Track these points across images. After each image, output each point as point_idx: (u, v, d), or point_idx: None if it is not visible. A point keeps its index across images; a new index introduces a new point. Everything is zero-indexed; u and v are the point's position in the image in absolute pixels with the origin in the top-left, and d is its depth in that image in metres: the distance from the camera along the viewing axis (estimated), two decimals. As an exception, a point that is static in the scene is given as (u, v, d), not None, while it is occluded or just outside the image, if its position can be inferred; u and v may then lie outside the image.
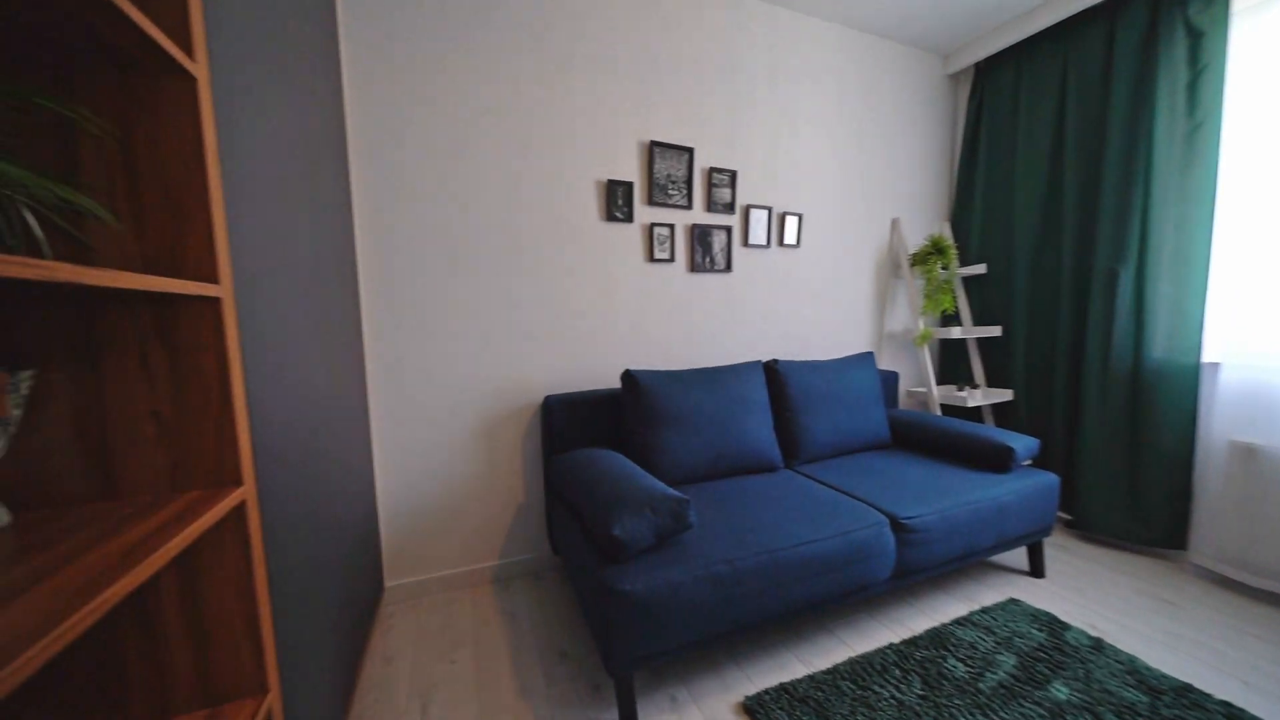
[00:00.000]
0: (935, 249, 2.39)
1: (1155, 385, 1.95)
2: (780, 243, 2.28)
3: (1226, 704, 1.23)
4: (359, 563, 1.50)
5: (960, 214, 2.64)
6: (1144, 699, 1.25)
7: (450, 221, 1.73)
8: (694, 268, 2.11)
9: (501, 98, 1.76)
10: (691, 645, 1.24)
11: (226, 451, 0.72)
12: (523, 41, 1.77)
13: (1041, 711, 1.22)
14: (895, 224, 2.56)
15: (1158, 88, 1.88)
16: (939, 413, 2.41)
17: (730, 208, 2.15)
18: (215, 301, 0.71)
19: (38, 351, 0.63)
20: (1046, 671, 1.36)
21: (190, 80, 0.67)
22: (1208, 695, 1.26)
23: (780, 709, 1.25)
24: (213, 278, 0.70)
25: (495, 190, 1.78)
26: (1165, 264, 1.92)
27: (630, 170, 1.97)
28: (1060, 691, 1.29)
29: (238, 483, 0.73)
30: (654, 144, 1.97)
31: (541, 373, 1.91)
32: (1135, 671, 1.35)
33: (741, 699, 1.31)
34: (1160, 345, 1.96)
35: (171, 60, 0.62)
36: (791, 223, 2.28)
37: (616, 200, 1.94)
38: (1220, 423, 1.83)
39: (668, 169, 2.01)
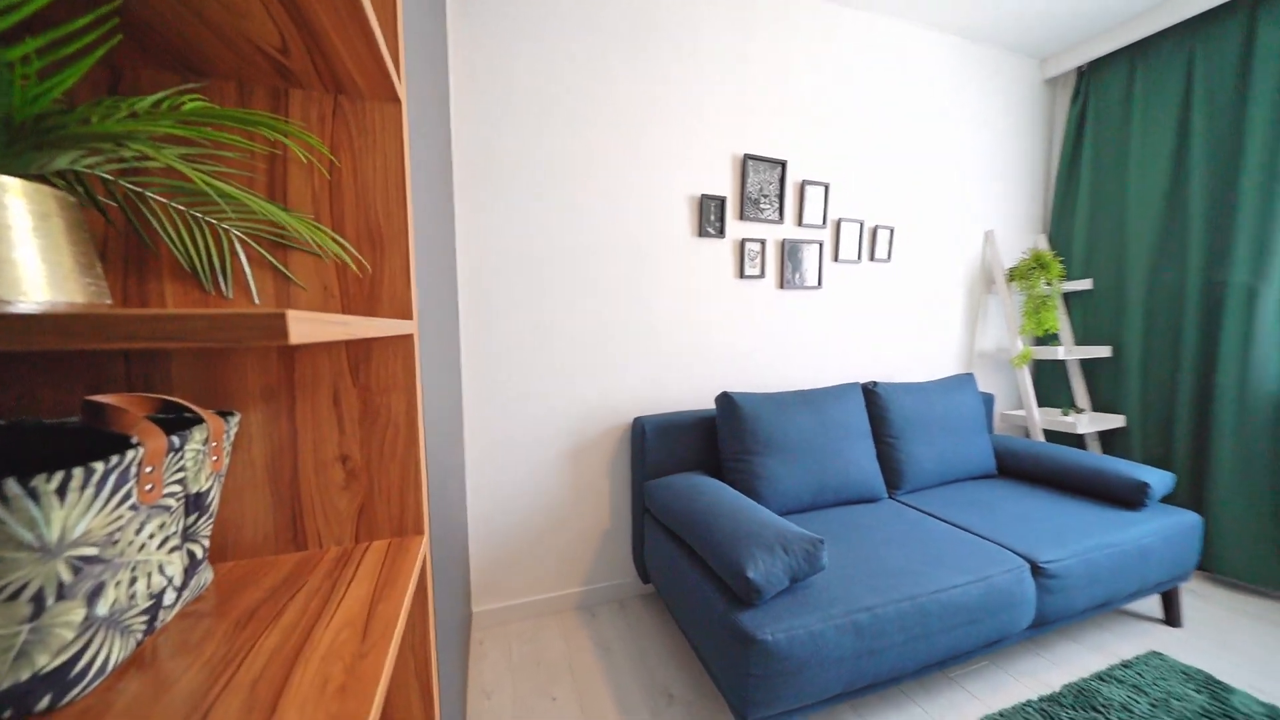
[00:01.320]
0: (1037, 263, 2.24)
1: (1305, 415, 1.76)
2: (871, 257, 2.17)
3: None
4: (458, 591, 1.45)
5: (1059, 227, 2.48)
6: (1355, 786, 1.09)
7: (541, 242, 1.70)
8: (783, 284, 2.02)
9: (595, 114, 1.71)
10: (825, 702, 1.15)
11: (410, 497, 0.67)
12: (619, 53, 1.72)
13: (1234, 795, 1.08)
14: (989, 237, 2.42)
15: (1309, 91, 1.71)
16: (1041, 438, 2.25)
17: (822, 222, 2.05)
18: (409, 339, 0.66)
19: (237, 392, 0.60)
20: (1223, 744, 1.21)
21: (398, 105, 0.63)
22: None
23: (926, 775, 1.14)
24: (408, 313, 0.65)
25: (587, 209, 1.73)
26: (1317, 282, 1.73)
27: (724, 184, 1.90)
28: (1249, 771, 1.13)
29: (420, 531, 0.68)
30: (748, 157, 1.89)
31: (629, 393, 1.85)
32: (1333, 750, 1.19)
33: (878, 760, 1.20)
34: (1306, 371, 1.77)
35: (389, 83, 0.58)
36: (883, 236, 2.17)
37: (709, 215, 1.87)
38: (1393, 461, 1.63)
39: (760, 182, 1.93)
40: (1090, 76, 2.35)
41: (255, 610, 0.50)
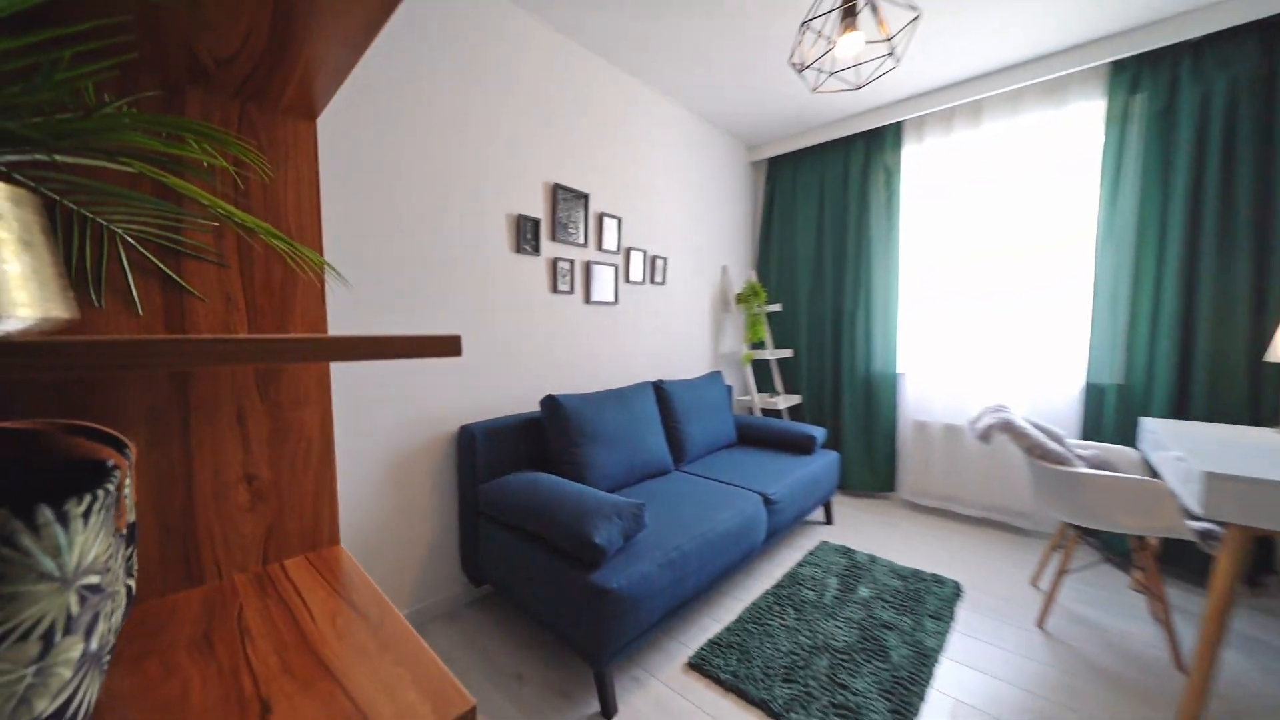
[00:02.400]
0: (752, 291, 3.17)
1: (876, 387, 3.04)
2: (653, 280, 2.70)
3: (937, 575, 2.10)
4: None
5: (762, 266, 3.54)
6: (900, 582, 2.03)
7: (371, 251, 1.58)
8: (589, 299, 2.34)
9: (429, 134, 1.70)
10: (651, 629, 1.48)
11: (324, 509, 0.68)
12: (452, 82, 1.75)
13: (856, 605, 1.87)
14: (724, 270, 3.28)
15: (871, 201, 2.99)
16: (759, 414, 3.18)
17: (617, 248, 2.46)
18: (327, 351, 0.66)
19: (117, 415, 0.52)
20: (853, 581, 2.05)
21: (313, 123, 0.64)
22: (929, 573, 2.12)
23: (715, 656, 1.59)
24: (323, 326, 0.66)
25: (411, 218, 1.69)
26: (877, 311, 3.02)
27: (538, 208, 2.10)
28: (863, 591, 1.97)
29: (335, 541, 0.69)
30: (558, 186, 2.14)
31: (451, 403, 1.86)
32: (893, 569, 2.15)
33: (685, 661, 1.60)
34: (876, 362, 3.06)
35: (311, 101, 0.61)
36: (660, 264, 2.73)
37: (526, 234, 2.04)
38: (907, 409, 2.99)
39: (569, 209, 2.20)
40: (774, 167, 3.46)
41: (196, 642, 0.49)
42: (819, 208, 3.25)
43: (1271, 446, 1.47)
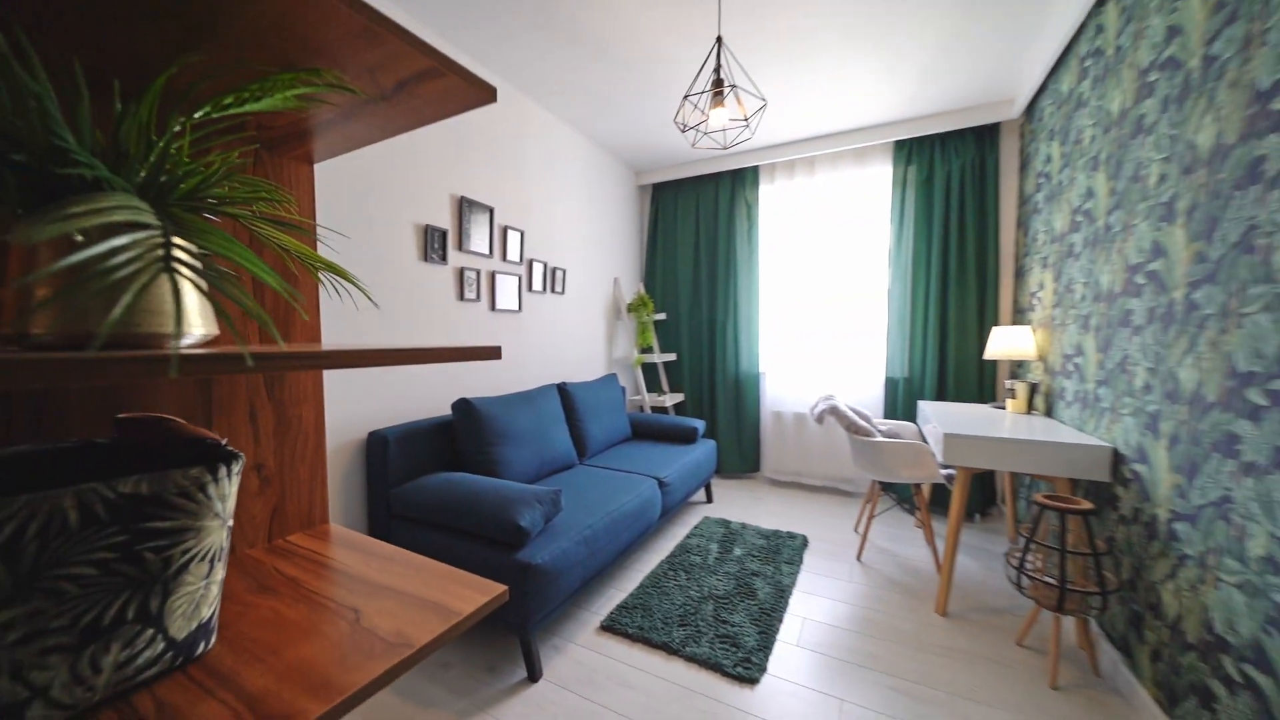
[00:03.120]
0: (642, 302, 3.53)
1: (744, 385, 3.61)
2: (553, 290, 2.90)
3: (790, 532, 2.64)
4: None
5: (649, 278, 3.94)
6: (764, 541, 2.52)
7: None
8: (494, 307, 2.46)
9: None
10: (568, 600, 1.70)
11: (317, 494, 0.80)
12: None
13: (733, 562, 2.29)
14: (616, 282, 3.60)
15: (736, 229, 3.56)
16: (649, 411, 3.55)
17: (520, 259, 2.62)
18: (322, 357, 0.78)
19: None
20: (730, 545, 2.48)
21: (313, 166, 0.77)
22: (785, 531, 2.65)
23: (623, 617, 1.86)
24: (319, 337, 0.78)
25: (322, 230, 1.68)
26: (743, 321, 3.60)
27: (445, 219, 2.17)
28: (737, 550, 2.41)
29: (326, 520, 0.80)
30: (464, 199, 2.24)
31: (354, 410, 1.86)
32: (759, 532, 2.65)
33: (598, 625, 1.84)
34: (743, 364, 3.63)
35: (309, 146, 0.74)
36: (559, 274, 2.94)
37: (434, 243, 2.11)
38: (767, 403, 3.60)
39: (475, 221, 2.31)
40: (658, 191, 3.89)
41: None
42: (695, 230, 3.74)
43: (988, 416, 2.21)
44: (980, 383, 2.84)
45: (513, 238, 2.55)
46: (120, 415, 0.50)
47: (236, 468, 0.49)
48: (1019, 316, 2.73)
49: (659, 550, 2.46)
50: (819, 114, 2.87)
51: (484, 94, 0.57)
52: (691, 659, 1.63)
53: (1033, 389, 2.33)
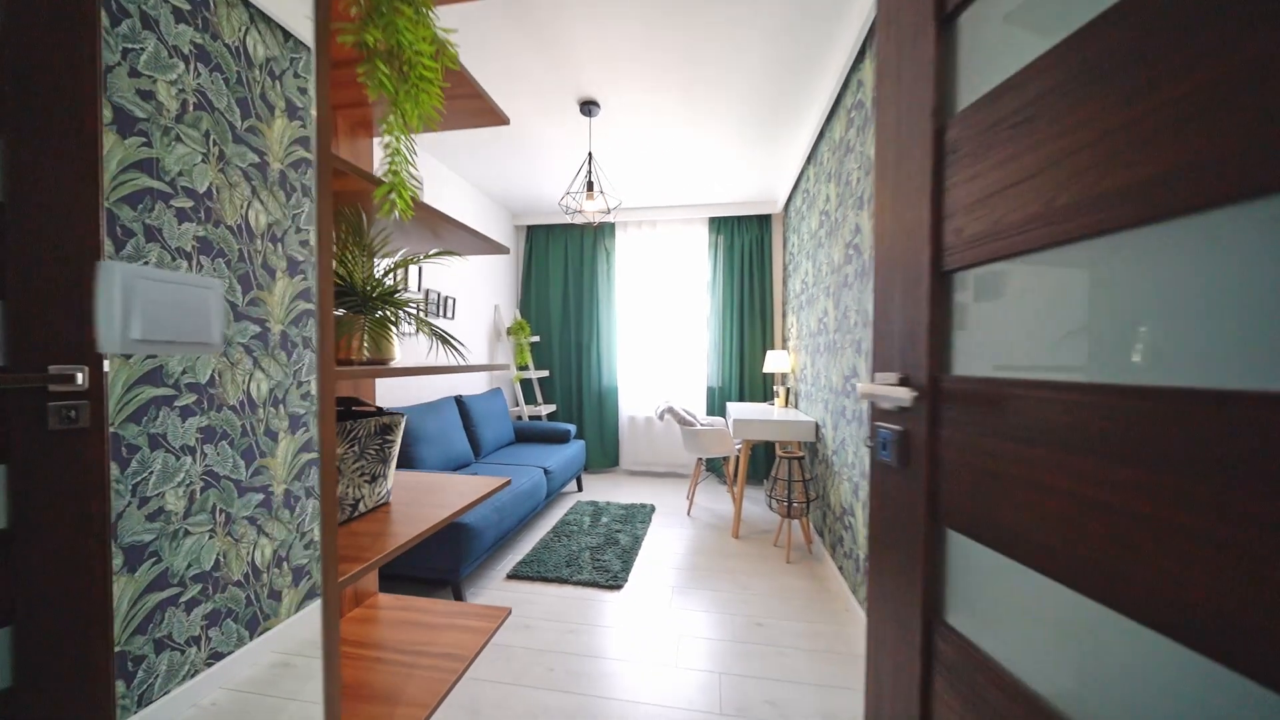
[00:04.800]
0: (519, 326, 4.15)
1: (605, 396, 4.45)
2: (445, 315, 3.36)
3: (643, 504, 3.52)
4: (165, 626, 1.48)
5: (525, 306, 4.56)
6: (624, 511, 3.35)
7: (210, 281, 1.83)
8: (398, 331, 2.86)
9: (266, 182, 2.03)
10: (485, 554, 2.26)
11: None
12: None
13: (602, 526, 3.06)
14: (496, 309, 4.15)
15: (598, 268, 4.42)
16: (527, 420, 4.15)
17: (419, 289, 3.05)
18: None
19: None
20: (599, 516, 3.24)
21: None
22: (639, 504, 3.52)
23: (524, 568, 2.47)
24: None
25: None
26: (604, 343, 4.46)
27: (362, 257, 2.56)
28: (604, 519, 3.19)
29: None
30: (377, 240, 2.65)
31: (289, 419, 2.16)
32: (621, 506, 3.47)
33: (506, 574, 2.43)
34: (604, 378, 4.48)
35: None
36: (450, 302, 3.41)
37: (352, 278, 2.48)
38: (624, 409, 4.50)
39: (384, 259, 2.72)
40: (532, 231, 4.56)
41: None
42: (564, 267, 4.51)
43: (764, 409, 3.39)
44: (764, 388, 4.14)
45: (412, 270, 2.99)
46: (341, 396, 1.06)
47: (402, 419, 1.09)
48: (784, 344, 4.09)
49: (543, 527, 3.10)
50: (660, 194, 3.92)
51: (499, 119, 1.25)
52: (578, 583, 2.34)
53: (788, 390, 3.61)
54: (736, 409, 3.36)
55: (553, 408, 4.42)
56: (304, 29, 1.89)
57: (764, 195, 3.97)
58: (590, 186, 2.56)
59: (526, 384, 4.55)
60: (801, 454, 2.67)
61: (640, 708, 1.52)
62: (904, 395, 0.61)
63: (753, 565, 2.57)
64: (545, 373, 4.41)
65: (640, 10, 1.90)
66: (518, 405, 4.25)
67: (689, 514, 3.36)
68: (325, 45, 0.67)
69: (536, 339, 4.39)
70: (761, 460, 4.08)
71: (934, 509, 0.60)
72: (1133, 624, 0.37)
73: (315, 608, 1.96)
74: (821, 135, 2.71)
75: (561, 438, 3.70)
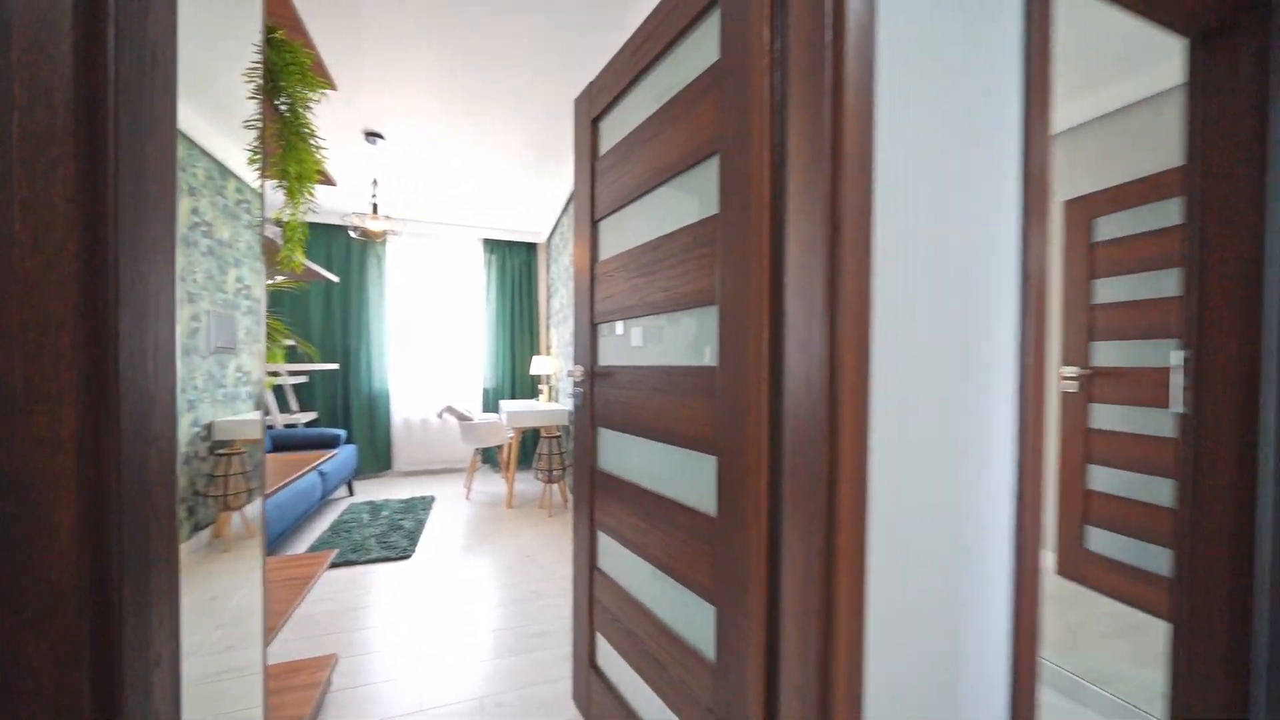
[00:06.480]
0: (272, 328, 3.86)
1: (376, 400, 4.50)
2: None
3: (423, 496, 3.83)
4: None
5: (276, 306, 4.20)
6: (404, 504, 3.62)
7: None
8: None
9: None
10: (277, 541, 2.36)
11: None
12: None
13: (383, 519, 3.30)
14: (241, 308, 3.77)
15: (368, 273, 4.45)
16: (282, 428, 3.89)
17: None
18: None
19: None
20: (379, 512, 3.45)
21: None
22: (419, 496, 3.82)
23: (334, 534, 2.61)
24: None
25: None
26: (374, 347, 4.50)
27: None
28: (385, 513, 3.42)
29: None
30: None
31: None
32: (399, 500, 3.71)
33: (284, 572, 2.52)
34: (375, 382, 4.52)
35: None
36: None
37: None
38: (397, 411, 4.62)
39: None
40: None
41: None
42: (326, 269, 4.35)
43: (532, 404, 4.16)
44: (533, 387, 4.94)
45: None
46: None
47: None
48: (548, 350, 4.98)
49: (316, 530, 3.15)
50: (437, 212, 4.28)
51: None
52: (368, 562, 2.64)
53: (550, 388, 4.50)
54: (509, 405, 4.04)
55: (312, 415, 4.22)
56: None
57: (532, 227, 4.78)
58: (375, 209, 2.87)
59: (279, 390, 4.20)
60: (559, 434, 3.55)
61: (442, 628, 2.08)
62: (580, 373, 1.45)
63: (523, 523, 3.31)
64: (304, 378, 4.18)
65: (429, 57, 2.37)
66: (270, 414, 3.92)
67: (468, 499, 3.87)
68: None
69: (292, 343, 4.12)
70: (531, 446, 4.85)
71: (592, 418, 1.45)
72: (660, 445, 1.25)
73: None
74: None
75: (330, 443, 3.69)
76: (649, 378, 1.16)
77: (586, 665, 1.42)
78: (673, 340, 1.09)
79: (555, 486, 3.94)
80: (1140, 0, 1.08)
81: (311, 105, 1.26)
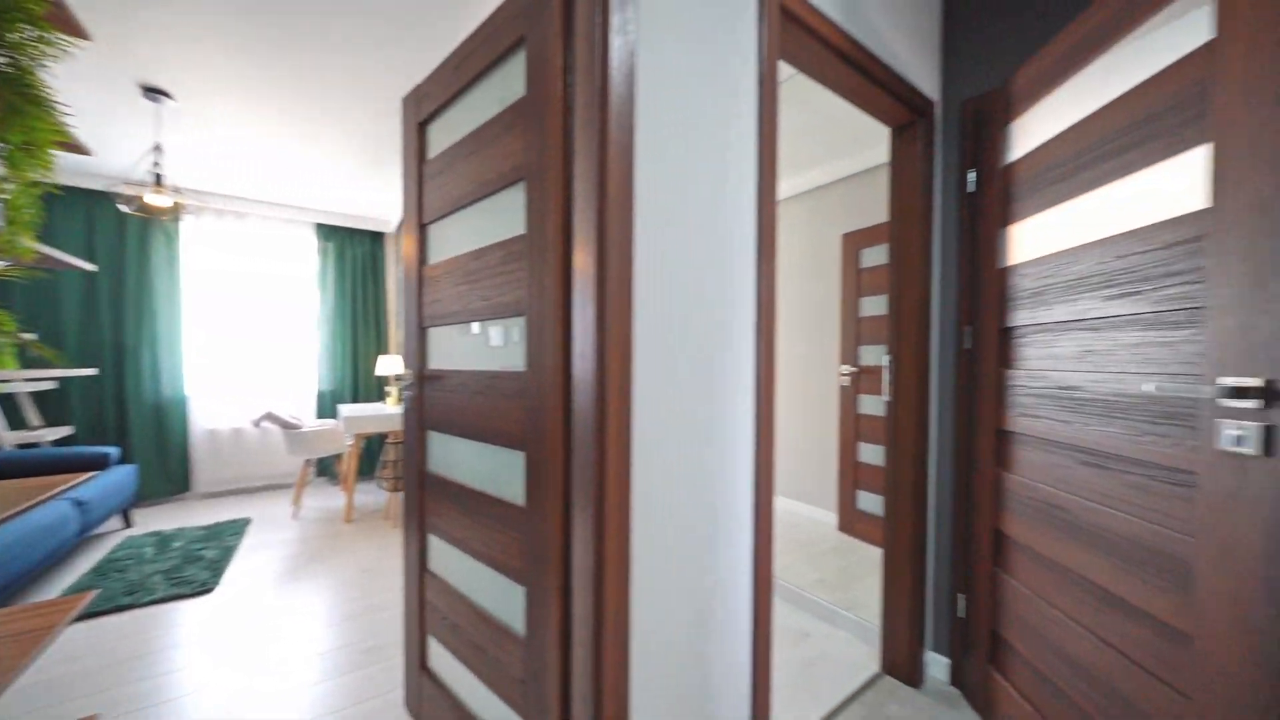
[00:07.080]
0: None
1: (167, 409, 3.72)
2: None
3: (232, 519, 3.29)
4: None
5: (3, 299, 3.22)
6: (205, 531, 3.07)
7: None
8: None
9: None
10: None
11: None
12: None
13: (175, 550, 2.77)
14: None
15: (153, 254, 3.65)
16: (13, 449, 3.01)
17: None
18: None
19: None
20: (167, 544, 2.88)
21: None
22: (226, 520, 3.27)
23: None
24: None
25: None
26: (163, 345, 3.71)
27: None
28: (176, 544, 2.87)
29: None
30: None
31: None
32: (198, 528, 3.14)
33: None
34: (165, 388, 3.73)
35: None
36: None
37: None
38: (198, 421, 3.88)
39: None
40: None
41: None
42: (89, 245, 3.47)
43: (378, 408, 3.82)
44: (379, 389, 4.54)
45: None
46: None
47: None
48: (397, 349, 4.62)
49: (77, 570, 2.53)
50: (254, 189, 3.69)
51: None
52: (152, 604, 2.21)
53: (399, 390, 4.19)
54: (347, 409, 3.67)
55: (66, 430, 3.34)
56: None
57: (378, 215, 4.38)
58: (158, 180, 2.41)
59: (5, 401, 3.23)
60: (401, 439, 3.34)
61: (257, 659, 1.86)
62: (410, 375, 1.44)
63: (363, 537, 3.06)
64: (53, 384, 3.29)
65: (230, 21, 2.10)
66: (-8, 432, 2.99)
67: (295, 517, 3.43)
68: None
69: (32, 336, 3.21)
70: (377, 455, 4.46)
71: (421, 421, 1.45)
72: (482, 445, 1.29)
73: None
74: (422, 187, 3.46)
75: (96, 464, 2.97)
76: (473, 381, 1.22)
77: (418, 669, 1.43)
78: (494, 346, 1.17)
79: (402, 494, 3.69)
80: (856, 95, 1.45)
81: (48, 62, 1.06)
